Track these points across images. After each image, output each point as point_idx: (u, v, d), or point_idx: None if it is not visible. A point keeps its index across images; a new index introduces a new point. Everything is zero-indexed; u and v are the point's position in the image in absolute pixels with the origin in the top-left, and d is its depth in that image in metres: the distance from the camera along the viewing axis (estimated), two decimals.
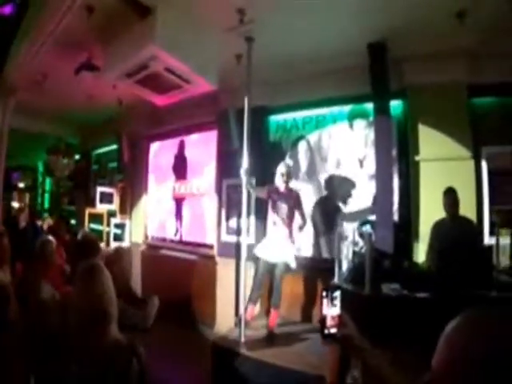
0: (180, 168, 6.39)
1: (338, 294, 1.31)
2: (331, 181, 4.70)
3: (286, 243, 4.02)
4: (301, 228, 4.12)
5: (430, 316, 2.88)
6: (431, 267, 3.42)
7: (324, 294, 1.28)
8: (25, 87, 5.29)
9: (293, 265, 4.00)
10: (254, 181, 4.44)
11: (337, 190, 4.65)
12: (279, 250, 3.98)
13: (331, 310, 1.28)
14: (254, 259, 4.20)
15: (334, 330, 1.27)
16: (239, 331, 3.72)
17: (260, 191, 4.22)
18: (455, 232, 3.40)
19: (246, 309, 3.91)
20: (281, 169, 4.11)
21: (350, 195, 4.53)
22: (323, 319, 1.27)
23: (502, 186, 3.88)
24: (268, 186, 4.24)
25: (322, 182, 4.76)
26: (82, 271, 1.71)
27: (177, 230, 6.29)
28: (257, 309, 4.27)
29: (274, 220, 4.14)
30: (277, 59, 4.36)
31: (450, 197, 3.50)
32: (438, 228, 3.56)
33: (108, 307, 1.57)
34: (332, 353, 3.15)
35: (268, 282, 4.27)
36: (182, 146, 6.42)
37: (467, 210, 3.61)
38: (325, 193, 4.74)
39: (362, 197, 4.45)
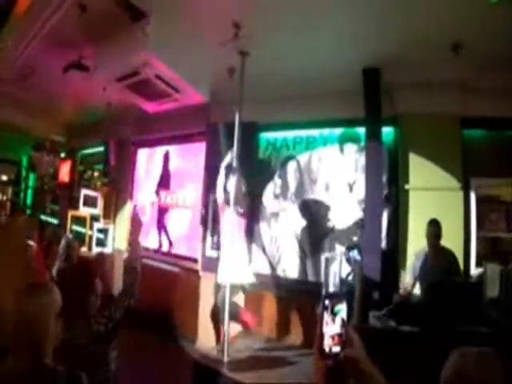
0: (164, 179, 6.06)
1: (342, 306, 0.96)
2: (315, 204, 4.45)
3: (236, 260, 3.63)
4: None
5: (417, 350, 2.68)
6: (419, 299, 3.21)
7: (325, 303, 0.93)
8: (12, 79, 4.98)
9: (250, 281, 3.75)
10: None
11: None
12: (229, 269, 3.57)
13: (332, 326, 0.94)
14: None
15: (336, 349, 0.93)
16: (222, 350, 3.47)
17: None
18: (439, 264, 3.27)
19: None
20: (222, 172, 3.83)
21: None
22: (322, 335, 0.93)
23: (489, 215, 3.77)
24: None
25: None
26: (22, 291, 1.36)
27: (160, 241, 5.92)
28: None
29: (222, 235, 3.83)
30: (270, 76, 4.12)
31: (433, 230, 3.35)
32: (420, 259, 3.40)
33: (38, 335, 1.27)
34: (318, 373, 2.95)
35: None
36: (166, 157, 6.09)
37: (455, 239, 3.47)
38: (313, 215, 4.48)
39: (350, 222, 4.21)
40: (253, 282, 3.80)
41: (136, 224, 2.34)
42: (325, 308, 0.94)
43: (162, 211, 5.99)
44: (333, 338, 0.95)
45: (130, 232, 2.34)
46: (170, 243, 5.86)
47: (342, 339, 0.98)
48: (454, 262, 3.32)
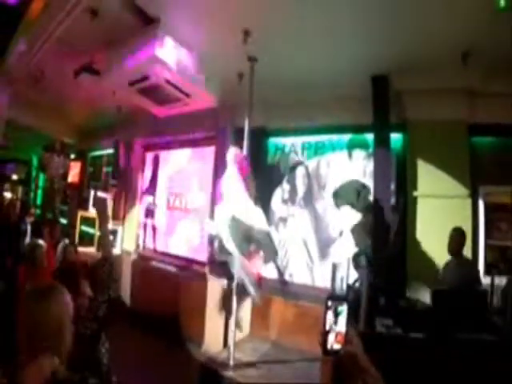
0: (152, 182, 6.22)
1: (344, 307, 1.00)
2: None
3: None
4: None
5: (423, 357, 2.64)
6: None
7: (328, 304, 0.97)
8: (24, 81, 5.01)
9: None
10: None
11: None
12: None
13: (334, 324, 0.98)
14: None
15: (336, 346, 0.97)
16: (228, 354, 3.51)
17: None
18: (458, 272, 3.21)
19: None
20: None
21: None
22: (326, 333, 0.97)
23: (497, 223, 3.69)
24: None
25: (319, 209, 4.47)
26: (32, 293, 1.27)
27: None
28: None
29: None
30: (279, 82, 4.12)
31: (458, 236, 3.28)
32: (444, 269, 3.35)
33: (54, 341, 1.18)
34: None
35: None
36: (156, 161, 6.19)
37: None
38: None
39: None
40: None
41: (102, 214, 2.19)
42: (328, 308, 0.99)
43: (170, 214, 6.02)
44: (336, 335, 1.00)
45: (99, 223, 2.18)
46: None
47: (344, 337, 1.02)
48: (474, 271, 3.29)
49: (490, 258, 3.63)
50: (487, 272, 3.51)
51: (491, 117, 3.64)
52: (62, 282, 1.60)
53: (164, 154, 6.31)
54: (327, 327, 1.01)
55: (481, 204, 3.72)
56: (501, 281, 3.26)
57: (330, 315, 1.01)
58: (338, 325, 1.01)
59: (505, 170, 3.62)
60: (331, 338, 1.00)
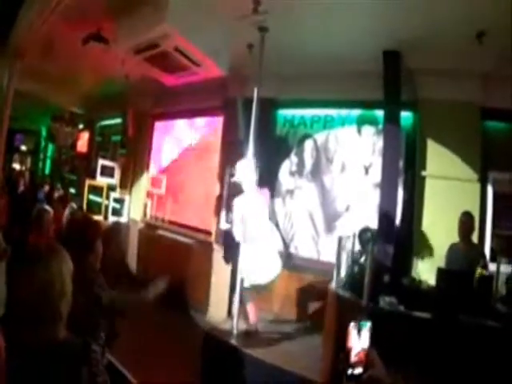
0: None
1: (367, 324, 0.93)
2: None
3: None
4: None
5: (425, 336, 2.63)
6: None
7: (352, 325, 0.91)
8: (33, 52, 4.87)
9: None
10: None
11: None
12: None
13: (359, 341, 0.92)
14: None
15: (358, 371, 0.91)
16: (232, 323, 3.54)
17: None
18: (465, 257, 3.15)
19: None
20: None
21: None
22: (347, 354, 0.90)
23: (506, 212, 3.59)
24: None
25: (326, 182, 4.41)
26: (32, 252, 1.23)
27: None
28: None
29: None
30: (290, 53, 4.03)
31: (469, 221, 3.24)
32: (451, 251, 3.29)
33: (57, 302, 1.13)
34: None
35: None
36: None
37: None
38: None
39: (365, 205, 4.11)
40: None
41: None
42: (353, 328, 0.90)
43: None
44: (357, 353, 0.91)
45: None
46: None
47: (366, 355, 0.93)
48: (482, 257, 3.23)
49: (497, 246, 3.56)
50: (492, 259, 3.42)
51: (505, 102, 3.42)
52: (72, 241, 1.56)
53: (173, 123, 6.22)
54: (349, 346, 0.92)
55: (490, 190, 3.64)
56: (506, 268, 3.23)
57: (354, 335, 0.92)
58: (362, 340, 0.93)
59: None
60: (353, 358, 0.92)
